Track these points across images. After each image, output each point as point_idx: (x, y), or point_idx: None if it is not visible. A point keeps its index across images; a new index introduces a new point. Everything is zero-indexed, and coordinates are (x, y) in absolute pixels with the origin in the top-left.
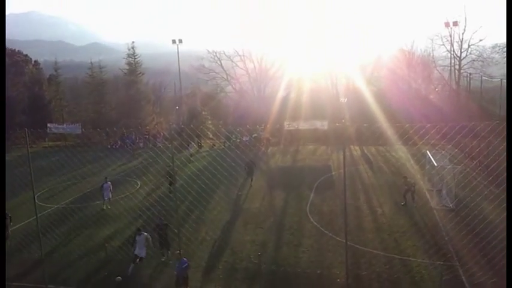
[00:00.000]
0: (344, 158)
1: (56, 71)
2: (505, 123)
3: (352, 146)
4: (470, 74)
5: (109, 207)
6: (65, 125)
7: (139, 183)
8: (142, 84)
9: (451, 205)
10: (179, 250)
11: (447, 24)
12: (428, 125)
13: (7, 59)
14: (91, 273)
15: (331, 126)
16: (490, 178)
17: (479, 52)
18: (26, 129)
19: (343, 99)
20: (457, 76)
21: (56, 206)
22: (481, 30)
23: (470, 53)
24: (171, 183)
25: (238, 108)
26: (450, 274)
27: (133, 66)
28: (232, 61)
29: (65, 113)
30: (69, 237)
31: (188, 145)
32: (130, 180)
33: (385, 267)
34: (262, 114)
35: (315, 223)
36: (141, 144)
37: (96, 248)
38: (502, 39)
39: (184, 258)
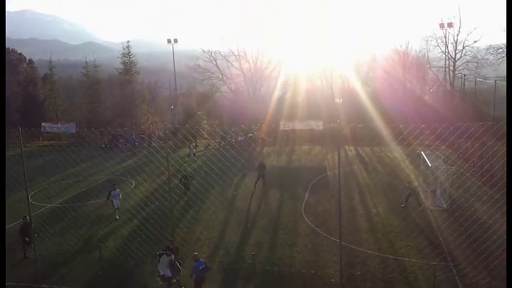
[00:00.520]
0: (339, 158)
1: (50, 69)
2: (498, 124)
3: (347, 146)
4: (464, 75)
5: (117, 217)
6: (59, 124)
7: (133, 182)
8: (137, 84)
9: (445, 205)
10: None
11: (442, 26)
12: (423, 125)
13: None
14: (85, 272)
15: (326, 127)
16: (484, 179)
17: (474, 53)
18: (20, 128)
19: (338, 100)
20: (451, 77)
21: (49, 205)
22: (476, 31)
23: (465, 54)
24: (186, 187)
25: (233, 108)
26: (444, 274)
27: (128, 66)
28: (227, 61)
29: (60, 112)
30: (63, 236)
31: (190, 144)
32: (125, 180)
33: (379, 267)
34: (258, 114)
35: (310, 223)
36: (136, 144)
37: (90, 248)
38: (496, 40)
39: (201, 260)
